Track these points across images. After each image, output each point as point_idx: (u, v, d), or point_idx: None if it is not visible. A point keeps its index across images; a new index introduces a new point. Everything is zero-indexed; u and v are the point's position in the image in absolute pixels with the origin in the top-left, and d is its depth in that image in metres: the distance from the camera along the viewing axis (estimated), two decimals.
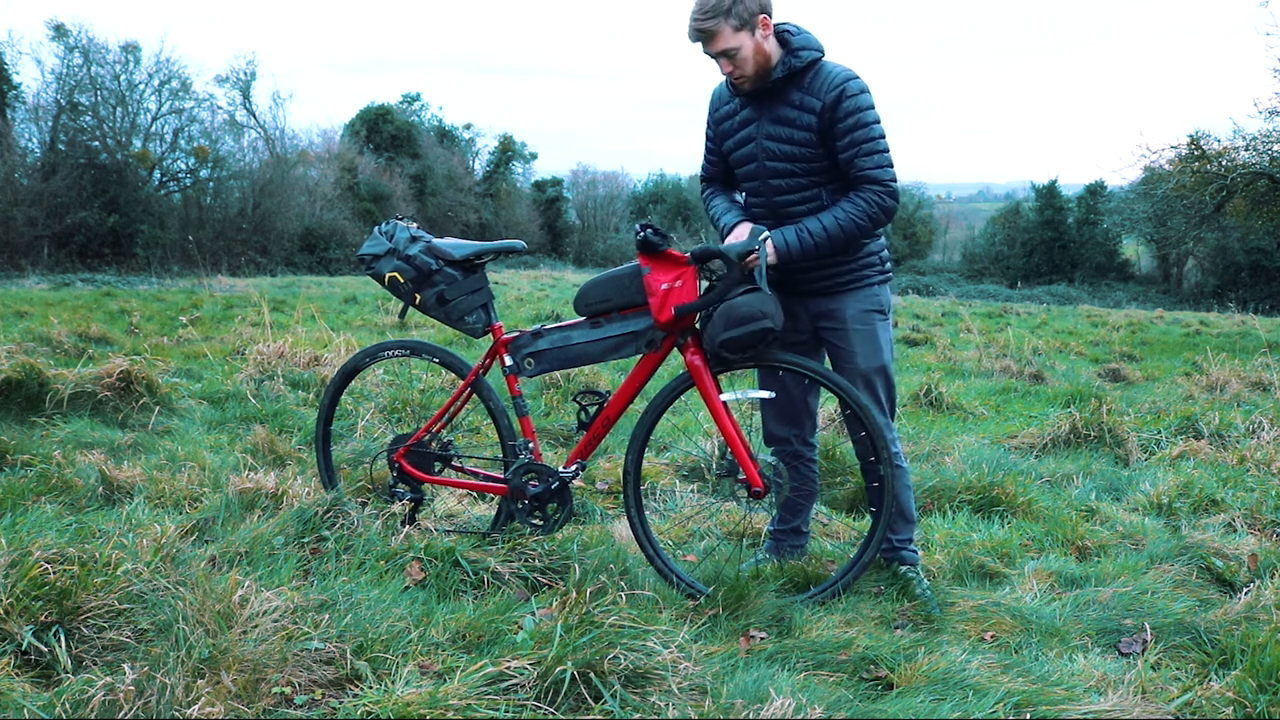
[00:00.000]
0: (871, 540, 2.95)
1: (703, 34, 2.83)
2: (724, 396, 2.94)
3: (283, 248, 33.71)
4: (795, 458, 3.22)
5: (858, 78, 2.87)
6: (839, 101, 2.83)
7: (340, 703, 2.15)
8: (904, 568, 3.14)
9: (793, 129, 2.91)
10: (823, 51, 2.90)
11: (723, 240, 3.04)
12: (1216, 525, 3.73)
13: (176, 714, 1.98)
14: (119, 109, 33.01)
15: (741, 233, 2.94)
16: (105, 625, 2.30)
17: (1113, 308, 27.92)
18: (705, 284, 2.91)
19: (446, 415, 3.31)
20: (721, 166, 3.19)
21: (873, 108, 2.87)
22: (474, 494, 3.90)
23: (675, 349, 2.99)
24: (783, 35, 2.90)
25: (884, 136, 2.89)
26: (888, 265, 3.14)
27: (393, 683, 2.17)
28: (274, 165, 36.18)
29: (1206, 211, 19.93)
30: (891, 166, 2.89)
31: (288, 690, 2.17)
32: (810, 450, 3.30)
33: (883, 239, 3.14)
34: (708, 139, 3.19)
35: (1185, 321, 19.43)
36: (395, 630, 2.43)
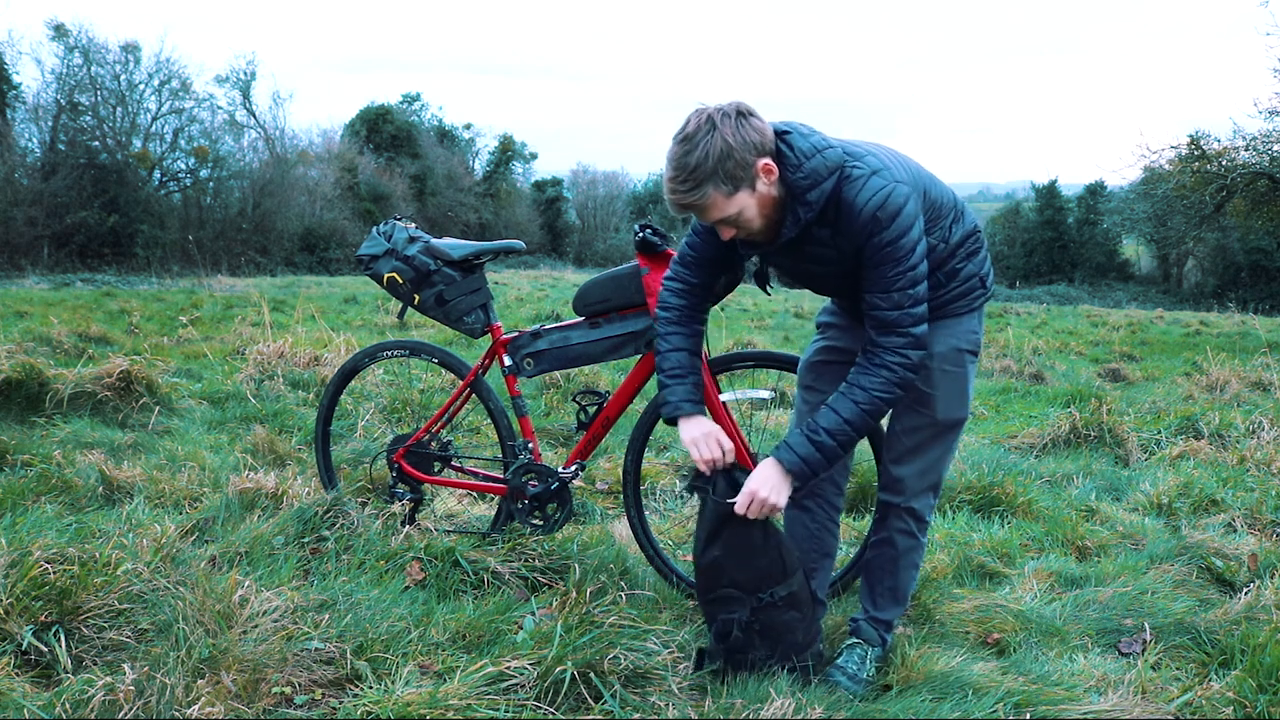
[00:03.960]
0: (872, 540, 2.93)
1: (688, 209, 2.18)
2: (724, 396, 2.94)
3: (283, 248, 33.69)
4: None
5: (890, 198, 2.17)
6: (870, 236, 2.20)
7: (340, 703, 2.16)
8: (854, 639, 2.55)
9: (826, 249, 2.29)
10: (840, 166, 2.20)
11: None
12: (1216, 525, 3.73)
13: (176, 714, 1.98)
14: (119, 109, 32.99)
15: (692, 429, 2.43)
16: (105, 625, 2.30)
17: (1113, 308, 27.92)
18: None
19: (446, 415, 3.31)
20: (712, 254, 2.50)
21: (909, 231, 2.19)
22: (474, 494, 3.90)
23: None
24: (782, 156, 2.19)
25: (917, 267, 2.20)
26: (989, 282, 2.50)
27: (393, 683, 2.17)
28: (274, 165, 36.16)
29: (1206, 211, 19.94)
30: (920, 306, 2.22)
31: (288, 690, 2.17)
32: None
33: (984, 248, 2.49)
34: (700, 230, 2.49)
35: (1185, 321, 19.42)
36: (395, 630, 2.43)
